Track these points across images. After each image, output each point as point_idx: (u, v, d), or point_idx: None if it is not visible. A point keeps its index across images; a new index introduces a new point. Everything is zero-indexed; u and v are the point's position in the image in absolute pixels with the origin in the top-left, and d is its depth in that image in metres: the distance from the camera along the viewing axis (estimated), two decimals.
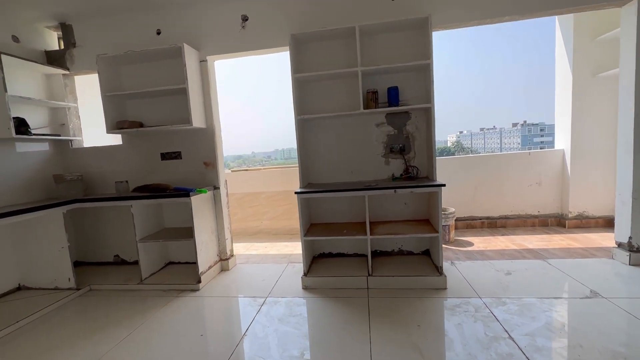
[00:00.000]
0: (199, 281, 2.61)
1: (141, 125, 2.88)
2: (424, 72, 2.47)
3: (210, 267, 2.80)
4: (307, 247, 2.57)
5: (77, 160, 3.17)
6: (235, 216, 4.37)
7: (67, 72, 3.05)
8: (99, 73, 2.71)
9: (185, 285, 2.61)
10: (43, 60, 3.03)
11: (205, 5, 2.77)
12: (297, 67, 2.62)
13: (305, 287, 2.48)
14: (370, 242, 2.45)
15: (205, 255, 2.75)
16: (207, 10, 2.79)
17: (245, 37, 2.76)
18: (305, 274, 2.50)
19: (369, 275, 2.40)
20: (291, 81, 2.49)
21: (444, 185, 2.22)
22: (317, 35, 2.54)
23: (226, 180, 3.08)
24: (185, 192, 2.55)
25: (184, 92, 2.68)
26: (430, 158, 2.56)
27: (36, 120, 2.92)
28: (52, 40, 3.15)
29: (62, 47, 3.11)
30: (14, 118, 2.57)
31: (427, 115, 2.52)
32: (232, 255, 3.11)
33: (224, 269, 3.01)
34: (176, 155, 2.98)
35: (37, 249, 2.68)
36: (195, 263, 2.66)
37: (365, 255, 2.80)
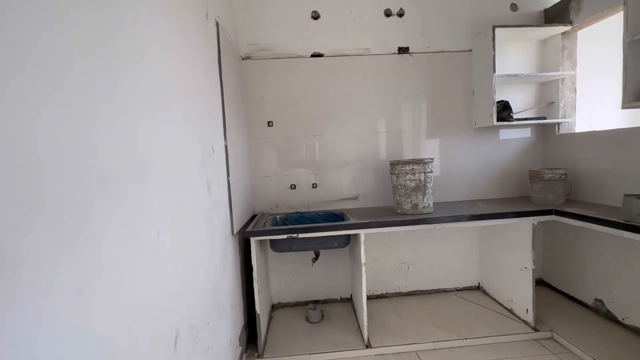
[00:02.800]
0: None
1: None
2: None
3: None
4: None
5: (562, 151, 2.32)
6: None
7: (568, 27, 2.19)
8: (625, 4, 1.58)
9: None
10: (540, 22, 2.41)
11: None
12: None
13: None
14: None
15: None
16: None
17: None
18: None
19: None
20: None
21: None
22: None
23: None
24: None
25: None
26: None
27: (520, 100, 2.42)
28: None
29: None
30: (497, 102, 2.22)
31: None
32: None
33: None
34: None
35: (498, 254, 2.30)
36: None
37: None
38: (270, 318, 2.27)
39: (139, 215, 0.79)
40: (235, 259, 1.77)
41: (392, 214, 2.07)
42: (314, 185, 2.39)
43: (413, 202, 2.01)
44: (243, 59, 2.28)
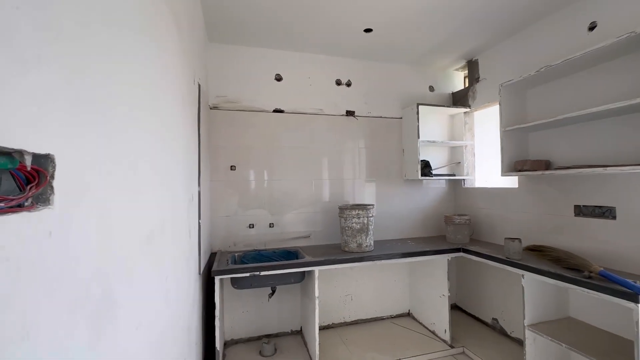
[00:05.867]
0: None
1: (547, 166, 2.09)
2: None
3: None
4: None
5: (466, 200, 3.00)
6: None
7: (467, 109, 2.96)
8: (500, 105, 2.29)
9: None
10: (449, 102, 3.17)
11: None
12: None
13: None
14: None
15: None
16: None
17: None
18: None
19: None
20: None
21: None
22: None
23: None
24: (629, 291, 1.42)
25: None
26: None
27: (437, 160, 3.09)
28: (459, 82, 3.22)
29: (467, 85, 3.08)
30: (421, 161, 2.82)
31: None
32: None
33: None
34: (605, 213, 1.86)
35: (422, 284, 2.78)
36: None
37: None
38: (224, 356, 2.33)
39: (159, 260, 0.97)
40: (200, 298, 1.88)
41: (340, 252, 2.41)
42: (271, 225, 2.63)
43: (358, 241, 2.39)
44: (211, 108, 2.50)
